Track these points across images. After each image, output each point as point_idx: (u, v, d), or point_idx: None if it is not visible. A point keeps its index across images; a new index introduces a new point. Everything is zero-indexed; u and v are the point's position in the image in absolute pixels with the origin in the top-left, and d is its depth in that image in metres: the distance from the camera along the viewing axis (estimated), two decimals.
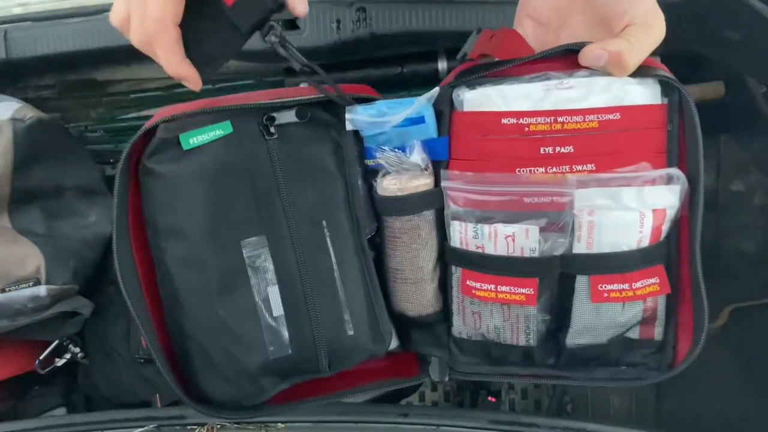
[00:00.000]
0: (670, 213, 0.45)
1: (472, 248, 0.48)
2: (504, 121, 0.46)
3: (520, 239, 0.46)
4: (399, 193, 0.50)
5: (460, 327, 0.52)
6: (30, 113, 0.90)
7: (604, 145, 0.44)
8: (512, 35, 0.48)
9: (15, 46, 0.88)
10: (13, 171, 0.90)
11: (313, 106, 0.52)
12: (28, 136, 0.89)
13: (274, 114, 0.51)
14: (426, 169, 0.50)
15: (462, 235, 0.49)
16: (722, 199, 0.92)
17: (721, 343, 0.94)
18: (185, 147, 0.49)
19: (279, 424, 0.60)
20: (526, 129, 0.45)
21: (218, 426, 0.60)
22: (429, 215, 0.51)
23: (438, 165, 0.50)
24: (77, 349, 1.05)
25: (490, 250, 0.47)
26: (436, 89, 0.49)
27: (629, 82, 0.44)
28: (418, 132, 0.49)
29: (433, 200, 0.50)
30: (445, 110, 0.49)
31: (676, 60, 0.44)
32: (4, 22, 0.90)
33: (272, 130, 0.51)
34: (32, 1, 0.97)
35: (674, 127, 0.45)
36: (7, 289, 0.89)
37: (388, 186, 0.50)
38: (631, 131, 0.44)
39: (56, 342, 1.03)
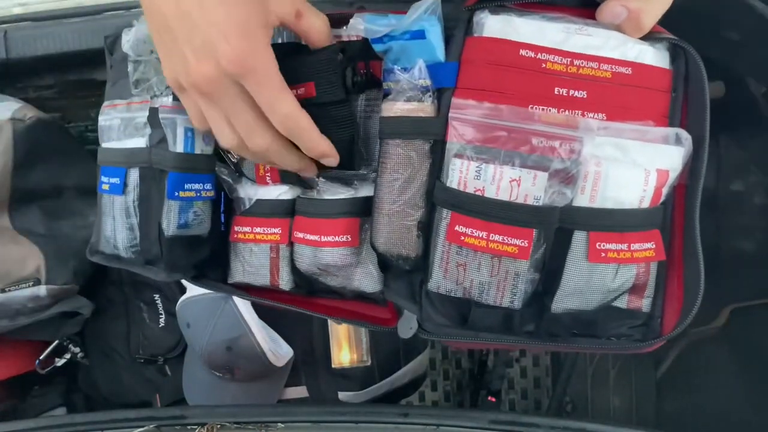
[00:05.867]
0: (672, 176, 0.44)
1: (470, 190, 0.44)
2: (522, 52, 0.43)
3: (526, 184, 0.43)
4: (390, 114, 0.47)
5: (439, 280, 0.48)
6: (30, 113, 0.90)
7: (615, 97, 0.43)
8: None
9: (15, 46, 0.88)
10: (13, 171, 0.90)
11: None
12: (28, 136, 0.89)
13: None
14: (426, 94, 0.46)
15: (462, 174, 0.44)
16: (722, 199, 0.92)
17: (721, 343, 0.94)
18: None
19: (279, 424, 0.60)
20: (543, 65, 0.43)
21: (218, 426, 0.60)
22: (421, 146, 0.47)
23: (443, 94, 0.46)
24: (77, 349, 1.06)
25: (490, 193, 0.44)
26: None
27: (641, 43, 0.44)
28: (421, 50, 0.46)
29: (429, 129, 0.46)
30: (458, 34, 0.46)
31: None
32: (4, 22, 0.90)
33: None
34: (32, 1, 0.97)
35: (678, 95, 0.45)
36: (7, 289, 0.89)
37: (385, 107, 0.48)
38: (640, 89, 0.44)
39: (56, 342, 1.03)
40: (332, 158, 0.47)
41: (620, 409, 1.16)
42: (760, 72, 0.74)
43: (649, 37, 0.44)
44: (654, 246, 0.45)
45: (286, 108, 0.42)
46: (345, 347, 0.96)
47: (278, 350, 0.91)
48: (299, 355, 0.95)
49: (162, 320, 1.05)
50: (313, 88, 0.46)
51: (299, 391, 0.98)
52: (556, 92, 0.43)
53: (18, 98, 0.94)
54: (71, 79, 0.96)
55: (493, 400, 1.29)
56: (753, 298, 0.90)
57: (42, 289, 0.92)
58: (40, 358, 1.01)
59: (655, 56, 0.44)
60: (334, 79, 0.47)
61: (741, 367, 0.93)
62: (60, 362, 1.04)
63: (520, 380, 1.41)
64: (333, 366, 0.95)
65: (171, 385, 1.04)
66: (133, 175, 0.56)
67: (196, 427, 0.60)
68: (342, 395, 0.97)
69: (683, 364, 1.08)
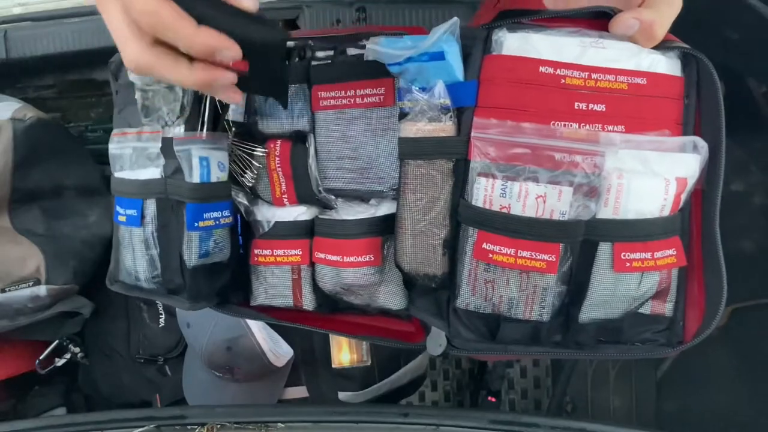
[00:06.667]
0: (690, 183, 0.45)
1: (495, 208, 0.45)
2: (542, 69, 0.44)
3: (551, 200, 0.44)
4: (411, 135, 0.47)
5: (467, 297, 0.49)
6: (30, 113, 0.90)
7: (632, 108, 0.44)
8: None
9: (15, 46, 0.88)
10: (13, 171, 0.90)
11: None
12: (28, 136, 0.89)
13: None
14: (446, 114, 0.47)
15: (487, 193, 0.45)
16: (722, 199, 0.93)
17: (721, 343, 0.94)
18: None
19: (279, 424, 0.60)
20: (562, 81, 0.44)
21: (218, 426, 0.60)
22: (444, 165, 0.47)
23: (463, 113, 0.47)
24: (77, 349, 1.06)
25: (516, 210, 0.44)
26: (455, 18, 0.46)
27: (654, 53, 0.44)
28: (440, 71, 0.46)
29: (451, 149, 0.47)
30: (476, 52, 0.46)
31: None
32: (4, 22, 0.90)
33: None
34: (32, 1, 0.97)
35: (691, 101, 0.46)
36: (7, 289, 0.89)
37: (404, 127, 0.48)
38: (655, 98, 0.44)
39: (56, 342, 1.03)
40: (227, 50, 0.40)
41: (620, 409, 1.16)
42: (760, 72, 0.74)
43: (660, 46, 0.44)
44: (675, 252, 0.45)
45: (138, 3, 0.37)
46: (345, 347, 0.96)
47: (278, 350, 0.91)
48: (299, 355, 0.95)
49: (162, 320, 1.05)
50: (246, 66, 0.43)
51: (299, 391, 0.98)
52: (576, 107, 0.44)
53: (18, 98, 0.94)
54: (71, 79, 0.96)
55: (493, 400, 1.30)
56: (753, 298, 0.90)
57: (42, 289, 0.92)
58: (40, 358, 1.01)
59: (668, 65, 0.45)
60: (275, 73, 0.45)
61: (741, 367, 0.93)
62: (60, 362, 1.04)
63: (520, 380, 1.41)
64: (333, 366, 0.95)
65: (171, 385, 1.04)
66: (150, 207, 0.56)
67: (196, 427, 0.60)
68: (342, 395, 0.97)
69: (683, 364, 1.08)
